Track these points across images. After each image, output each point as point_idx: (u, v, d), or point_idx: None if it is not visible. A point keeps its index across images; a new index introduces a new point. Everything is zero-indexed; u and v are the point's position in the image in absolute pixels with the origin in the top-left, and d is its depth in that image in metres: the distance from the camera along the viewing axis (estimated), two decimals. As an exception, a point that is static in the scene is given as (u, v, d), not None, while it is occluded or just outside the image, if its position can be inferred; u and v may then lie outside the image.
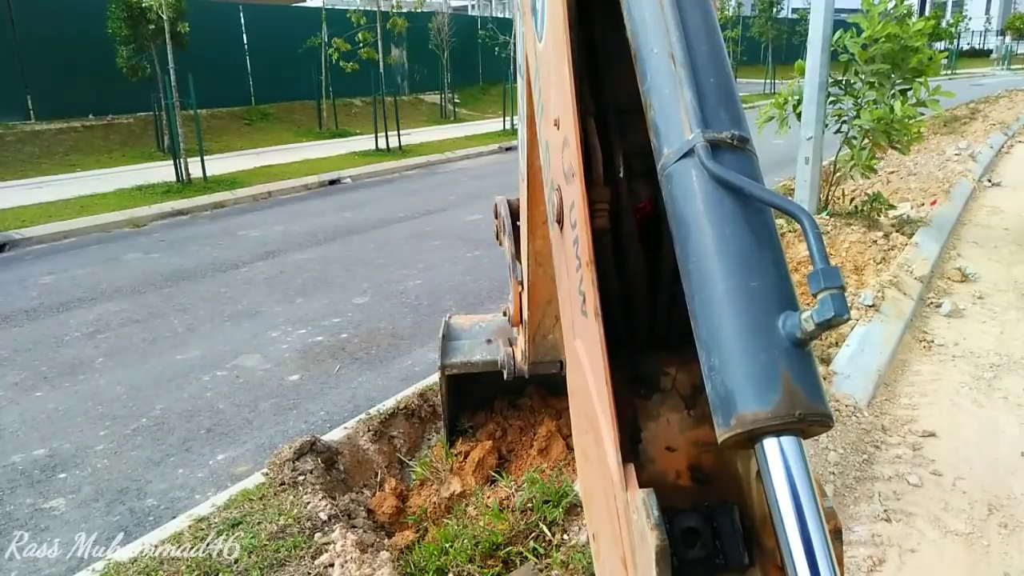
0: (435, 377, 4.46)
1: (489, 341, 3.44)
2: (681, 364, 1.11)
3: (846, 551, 2.97)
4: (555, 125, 1.22)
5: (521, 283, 2.78)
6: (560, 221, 1.21)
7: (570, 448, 3.69)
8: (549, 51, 1.27)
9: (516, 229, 2.73)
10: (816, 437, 3.75)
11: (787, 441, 0.76)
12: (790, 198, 1.00)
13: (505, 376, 3.25)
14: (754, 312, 0.79)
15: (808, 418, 0.75)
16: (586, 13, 1.26)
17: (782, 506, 0.74)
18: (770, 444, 0.76)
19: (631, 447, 1.02)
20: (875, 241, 6.90)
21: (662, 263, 1.17)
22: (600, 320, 0.98)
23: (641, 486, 0.87)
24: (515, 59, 2.03)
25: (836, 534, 0.81)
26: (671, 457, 1.04)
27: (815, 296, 0.76)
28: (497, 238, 3.06)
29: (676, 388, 1.11)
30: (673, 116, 0.91)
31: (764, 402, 0.74)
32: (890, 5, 6.95)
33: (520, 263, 2.71)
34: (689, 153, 0.87)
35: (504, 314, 3.38)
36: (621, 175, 1.20)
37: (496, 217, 2.98)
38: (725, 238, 0.83)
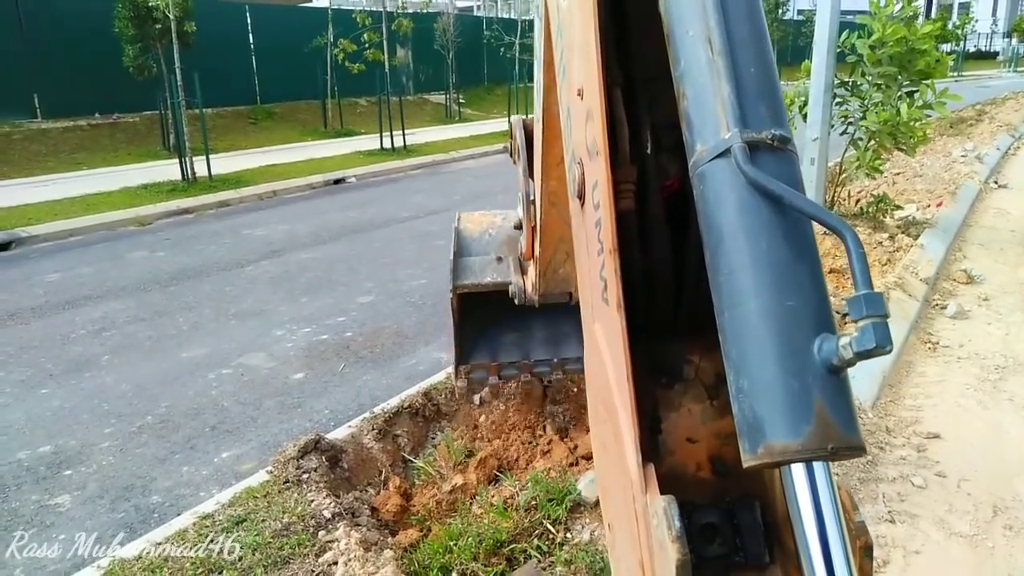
0: (440, 376, 4.48)
1: (500, 259, 3.31)
2: (704, 352, 1.05)
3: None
4: (578, 94, 1.12)
5: (534, 222, 2.68)
6: (581, 196, 1.12)
7: (572, 452, 3.70)
8: (574, 11, 1.16)
9: (529, 151, 2.60)
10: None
11: (815, 466, 0.73)
12: (836, 214, 0.91)
13: (516, 303, 3.14)
14: (788, 334, 0.74)
15: (840, 451, 0.71)
16: None
17: (807, 529, 0.72)
18: (797, 468, 0.73)
19: (650, 438, 0.98)
20: (881, 242, 6.89)
21: (689, 245, 1.10)
22: (623, 312, 0.92)
23: (660, 477, 0.83)
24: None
25: (867, 550, 0.78)
26: (692, 449, 1.00)
27: (855, 323, 0.71)
28: (511, 156, 2.93)
29: (699, 377, 1.06)
30: (708, 110, 0.84)
31: (795, 433, 0.71)
32: (897, 7, 6.94)
33: (532, 183, 2.60)
34: (724, 153, 0.81)
35: (516, 226, 3.21)
36: (648, 151, 1.13)
37: (512, 138, 2.85)
38: (760, 251, 0.77)
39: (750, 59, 0.85)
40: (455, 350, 3.56)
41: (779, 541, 0.87)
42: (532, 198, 2.68)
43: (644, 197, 1.13)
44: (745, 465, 0.74)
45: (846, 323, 0.75)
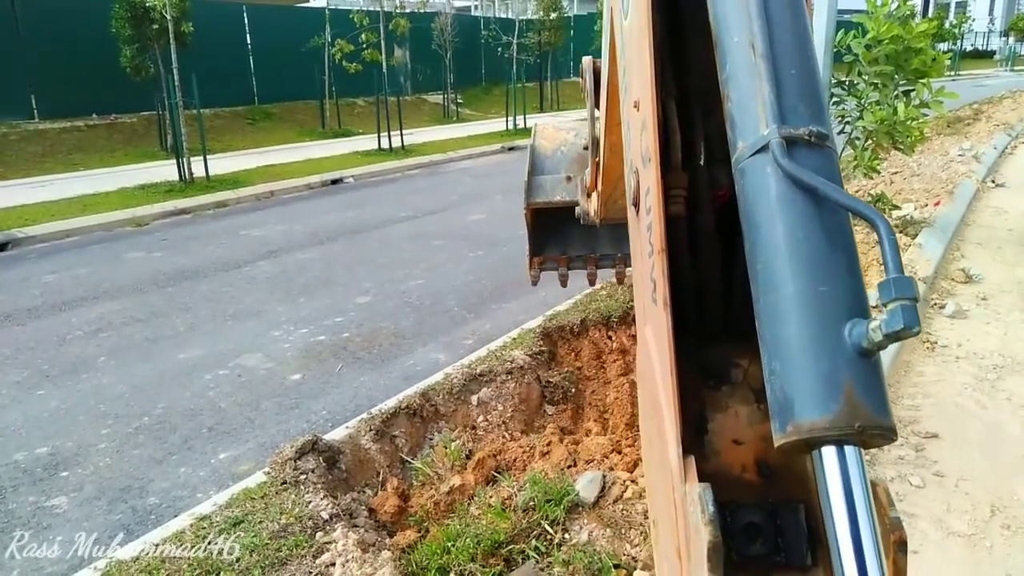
0: (437, 377, 4.48)
1: (569, 179, 3.60)
2: (753, 357, 1.06)
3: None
4: (635, 107, 1.18)
5: (598, 159, 2.92)
6: (636, 204, 1.17)
7: (570, 453, 3.69)
8: (633, 31, 1.23)
9: (597, 93, 2.77)
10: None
11: (846, 450, 0.74)
12: (869, 204, 0.95)
13: (580, 222, 3.45)
14: (821, 318, 0.76)
15: (869, 431, 0.72)
16: None
17: (835, 514, 0.73)
18: (828, 452, 0.74)
19: (697, 439, 1.00)
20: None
21: (738, 253, 1.12)
22: (669, 310, 0.95)
23: (705, 478, 0.85)
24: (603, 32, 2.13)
25: (901, 545, 0.79)
26: (738, 451, 1.01)
27: (884, 306, 0.73)
28: (581, 92, 3.08)
29: (747, 381, 1.07)
30: (749, 109, 0.88)
31: (823, 411, 0.72)
32: (893, 6, 6.94)
33: (598, 124, 2.80)
34: (764, 148, 0.85)
35: (585, 147, 3.50)
36: (701, 162, 1.17)
37: (582, 78, 2.99)
38: (796, 239, 0.80)
39: (792, 62, 0.89)
40: (528, 247, 3.94)
41: (822, 544, 0.87)
42: (598, 138, 2.87)
43: (695, 206, 1.16)
44: (776, 444, 0.76)
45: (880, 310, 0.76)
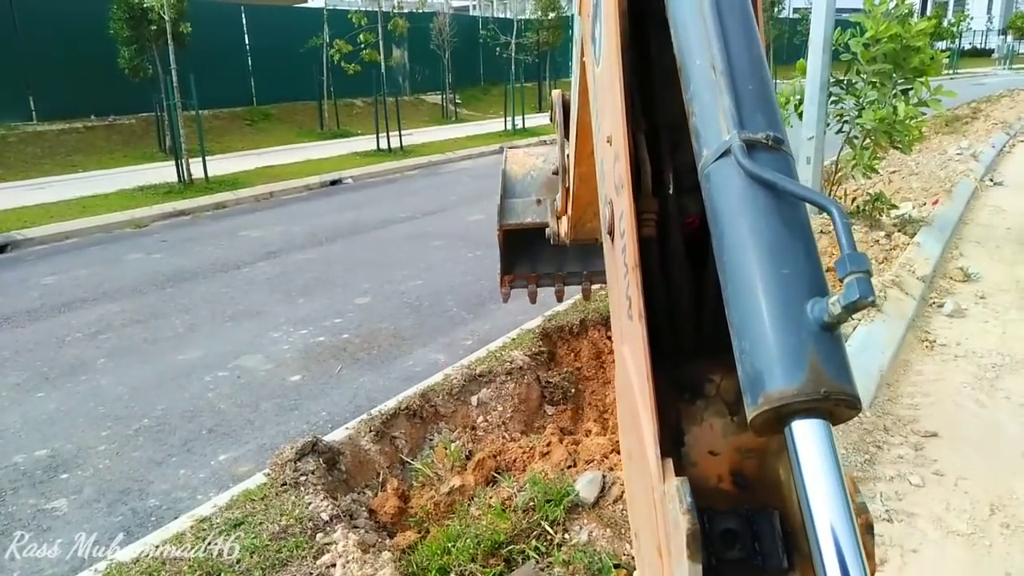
0: (437, 378, 4.49)
1: (539, 201, 3.83)
2: (726, 372, 1.12)
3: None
4: (608, 142, 1.28)
5: (568, 186, 3.10)
6: (612, 233, 1.25)
7: (570, 453, 3.69)
8: (604, 74, 1.34)
9: (566, 124, 2.95)
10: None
11: (815, 424, 0.78)
12: (822, 193, 1.05)
13: (551, 243, 3.64)
14: (784, 297, 0.82)
15: (834, 396, 0.77)
16: (644, 35, 1.34)
17: (808, 485, 0.76)
18: (798, 426, 0.78)
19: (674, 451, 1.04)
20: (877, 241, 6.90)
21: (708, 276, 1.20)
22: (644, 321, 1.02)
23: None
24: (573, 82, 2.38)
25: (868, 528, 0.83)
26: (713, 461, 1.05)
27: (842, 280, 0.78)
28: (552, 120, 3.29)
29: (720, 395, 1.12)
30: (712, 120, 0.96)
31: (791, 380, 0.77)
32: (891, 5, 6.95)
33: (568, 153, 2.97)
34: (726, 153, 0.91)
35: (554, 172, 3.71)
36: (671, 191, 1.26)
37: (553, 109, 3.21)
38: (758, 230, 0.86)
39: (748, 78, 0.98)
40: (500, 265, 4.13)
41: (797, 548, 0.91)
42: (567, 168, 3.07)
43: (666, 230, 1.25)
44: (749, 419, 0.81)
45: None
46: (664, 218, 1.24)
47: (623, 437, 1.26)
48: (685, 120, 1.03)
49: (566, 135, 2.99)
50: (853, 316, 0.76)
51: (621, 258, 1.14)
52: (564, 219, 3.47)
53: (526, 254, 4.21)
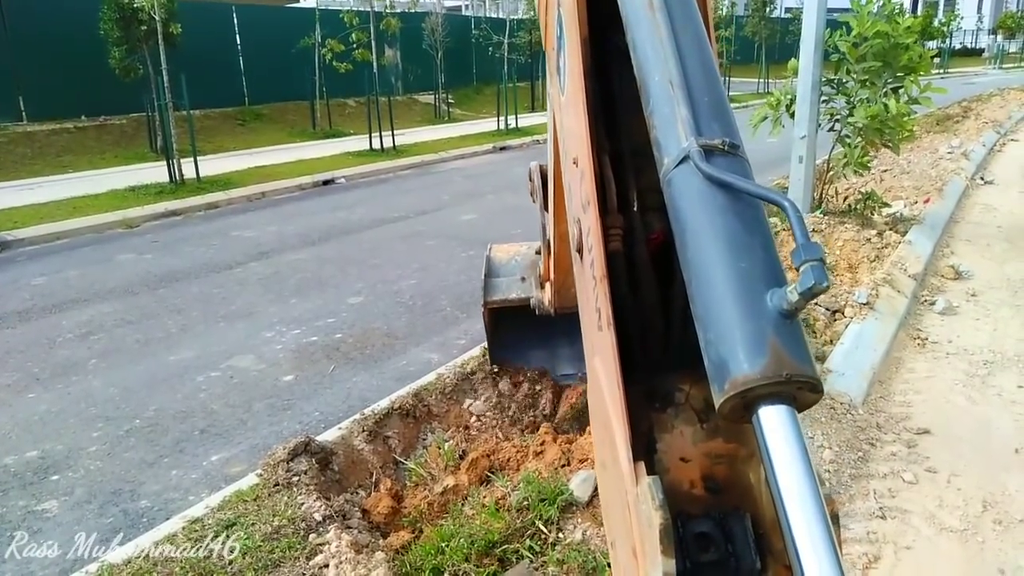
0: (430, 378, 4.48)
1: (523, 279, 3.93)
2: (694, 381, 1.16)
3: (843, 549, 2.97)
4: (574, 163, 1.35)
5: (551, 251, 3.18)
6: (580, 251, 1.30)
7: (564, 453, 3.69)
8: (569, 100, 1.42)
9: (545, 193, 3.03)
10: (810, 436, 3.76)
11: (781, 410, 0.81)
12: (776, 189, 1.10)
13: (536, 313, 3.73)
14: (744, 289, 0.86)
15: (796, 379, 0.80)
16: (606, 68, 1.42)
17: (777, 467, 0.79)
18: (765, 413, 0.81)
19: (647, 458, 1.07)
20: (869, 239, 6.92)
21: (675, 291, 1.26)
22: (613, 330, 1.07)
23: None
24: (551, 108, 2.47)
25: (834, 518, 0.84)
26: (685, 468, 1.08)
27: (797, 269, 0.82)
28: (531, 196, 3.37)
29: (690, 403, 1.16)
30: (671, 130, 1.01)
31: (754, 365, 0.80)
32: (879, 4, 6.97)
33: (548, 219, 3.05)
34: (685, 159, 0.96)
35: (537, 252, 3.83)
36: (635, 209, 1.32)
37: (531, 181, 3.31)
38: (717, 227, 0.91)
39: (703, 91, 1.05)
40: (488, 349, 4.30)
41: (769, 549, 0.94)
42: (548, 234, 3.16)
43: (632, 245, 1.30)
44: (717, 405, 0.84)
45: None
46: (630, 233, 1.30)
47: (597, 449, 1.30)
48: (647, 145, 1.09)
49: (545, 205, 3.06)
50: (814, 303, 0.78)
51: (590, 272, 1.20)
52: (548, 286, 3.52)
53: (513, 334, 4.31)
